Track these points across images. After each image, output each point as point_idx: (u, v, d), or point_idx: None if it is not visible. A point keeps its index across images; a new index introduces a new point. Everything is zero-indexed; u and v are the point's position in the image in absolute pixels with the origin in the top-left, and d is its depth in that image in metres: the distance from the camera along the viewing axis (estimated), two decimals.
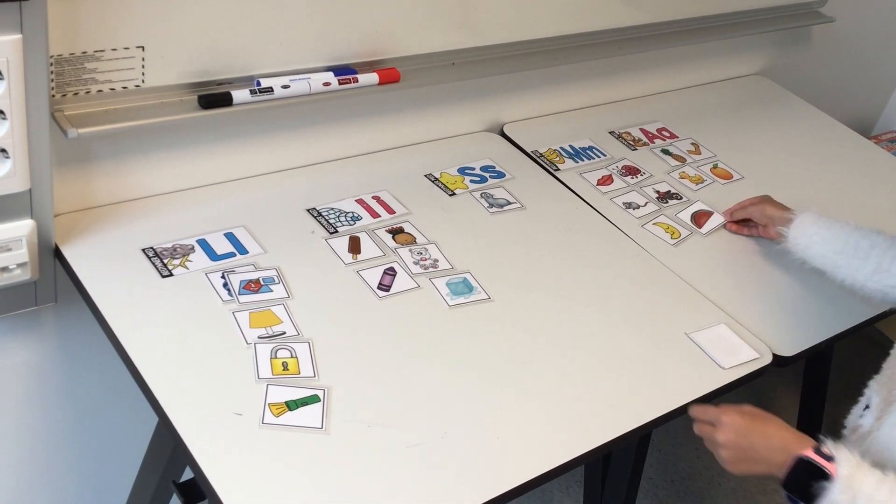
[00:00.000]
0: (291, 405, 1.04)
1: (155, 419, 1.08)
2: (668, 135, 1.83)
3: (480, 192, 1.51)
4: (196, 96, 1.24)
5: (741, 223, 1.54)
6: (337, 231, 1.34)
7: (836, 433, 2.23)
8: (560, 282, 1.34)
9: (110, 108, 1.18)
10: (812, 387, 2.09)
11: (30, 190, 1.10)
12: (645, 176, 1.66)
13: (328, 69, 1.36)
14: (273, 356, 1.10)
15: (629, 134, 1.79)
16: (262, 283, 1.21)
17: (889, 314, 1.46)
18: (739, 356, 1.27)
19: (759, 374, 1.27)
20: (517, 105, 1.72)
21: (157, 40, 1.18)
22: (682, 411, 1.18)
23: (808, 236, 1.37)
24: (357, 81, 1.36)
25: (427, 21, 1.44)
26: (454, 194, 1.49)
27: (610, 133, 1.78)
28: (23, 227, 1.13)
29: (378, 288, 1.25)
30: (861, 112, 2.67)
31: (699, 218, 1.57)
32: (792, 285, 1.45)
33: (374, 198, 1.43)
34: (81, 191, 1.25)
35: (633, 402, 1.16)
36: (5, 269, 1.14)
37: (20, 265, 1.15)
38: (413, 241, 1.36)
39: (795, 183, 1.75)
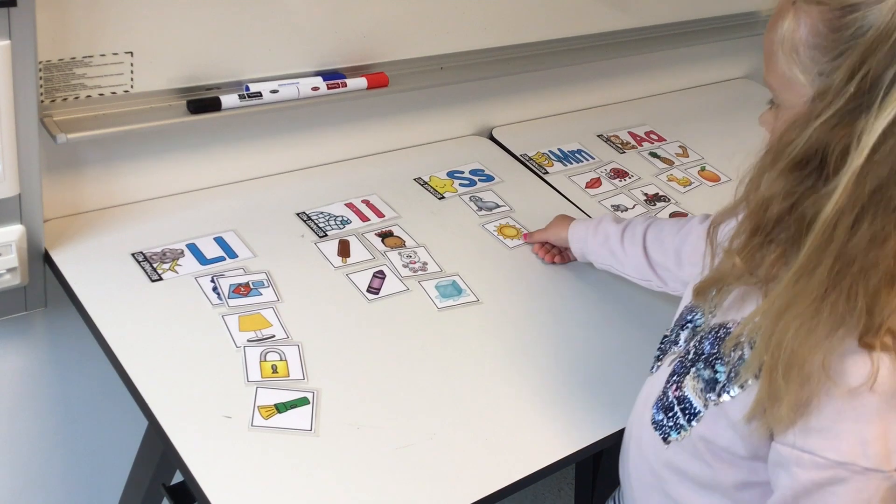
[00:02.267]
0: (281, 408, 1.04)
1: (145, 423, 1.09)
2: (655, 138, 1.84)
3: (470, 195, 1.51)
4: (185, 101, 1.24)
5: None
6: (326, 235, 1.35)
7: None
8: (549, 284, 1.35)
9: (99, 114, 1.19)
10: None
11: (19, 195, 1.11)
12: (633, 178, 1.67)
13: (317, 74, 1.36)
14: (262, 359, 1.10)
15: (617, 137, 1.80)
16: (251, 286, 1.21)
17: None
18: None
19: None
20: (506, 109, 1.73)
21: (145, 46, 1.18)
22: None
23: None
24: (346, 86, 1.37)
25: (415, 26, 1.45)
26: (443, 198, 1.50)
27: (598, 136, 1.79)
28: (12, 233, 1.13)
29: (367, 291, 1.25)
30: None
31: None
32: None
33: (363, 201, 1.44)
34: (71, 196, 1.26)
35: (623, 402, 1.16)
36: None
37: (10, 270, 1.15)
38: (402, 244, 1.36)
39: None
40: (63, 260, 1.19)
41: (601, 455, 1.54)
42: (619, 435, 1.13)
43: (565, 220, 1.37)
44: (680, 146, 1.82)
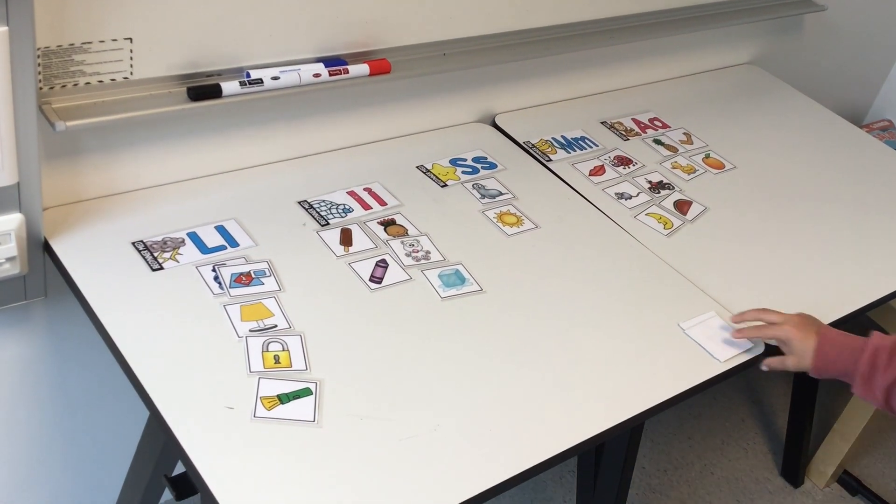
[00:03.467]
0: (283, 398, 1.04)
1: (146, 413, 1.08)
2: (660, 125, 1.82)
3: (472, 183, 1.50)
4: (185, 88, 1.23)
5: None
6: (328, 223, 1.34)
7: (828, 423, 2.23)
8: (552, 273, 1.34)
9: (98, 101, 1.17)
10: (804, 376, 2.09)
11: (18, 184, 1.10)
12: (637, 166, 1.66)
13: (318, 60, 1.35)
14: (265, 349, 1.09)
15: (621, 124, 1.79)
16: (253, 276, 1.20)
17: (882, 303, 1.47)
18: (731, 346, 1.27)
19: (751, 363, 1.27)
20: (509, 96, 1.72)
21: (145, 32, 1.17)
22: (674, 402, 1.18)
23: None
24: (347, 73, 1.36)
25: (418, 12, 1.43)
26: (446, 185, 1.48)
27: (602, 123, 1.78)
28: (11, 222, 1.12)
29: (370, 280, 1.24)
30: (852, 101, 2.67)
31: (681, 206, 1.57)
32: (784, 275, 1.45)
33: (365, 189, 1.42)
34: (70, 184, 1.25)
35: (625, 393, 1.16)
36: None
37: (9, 259, 1.14)
38: (405, 232, 1.35)
39: (787, 172, 1.75)
40: (63, 249, 1.18)
41: (603, 446, 1.53)
42: (621, 427, 1.12)
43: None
44: (684, 133, 1.81)
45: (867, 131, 2.32)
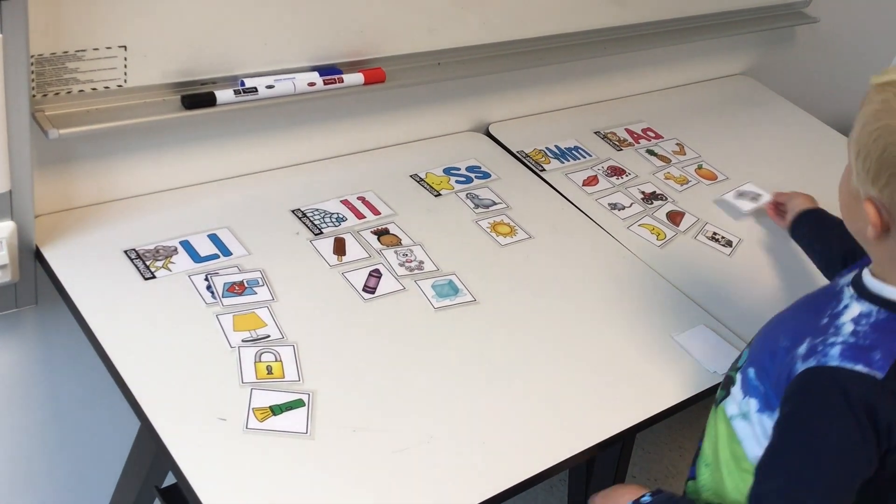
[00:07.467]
0: (276, 410, 1.03)
1: (137, 423, 1.07)
2: (653, 135, 1.83)
3: (466, 192, 1.50)
4: (179, 96, 1.23)
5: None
6: (322, 232, 1.33)
7: None
8: (546, 283, 1.34)
9: (92, 109, 1.17)
10: None
11: (10, 191, 1.09)
12: (630, 176, 1.66)
13: (313, 69, 1.35)
14: (257, 360, 1.09)
15: (614, 134, 1.79)
16: (246, 285, 1.20)
17: None
18: (724, 357, 1.27)
19: None
20: (503, 105, 1.72)
21: (139, 40, 1.16)
22: (667, 414, 1.18)
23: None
24: (342, 81, 1.35)
25: (412, 21, 1.43)
26: (440, 195, 1.48)
27: (595, 133, 1.78)
28: (3, 229, 1.11)
29: (363, 290, 1.24)
30: (845, 112, 2.67)
31: (674, 217, 1.57)
32: (776, 287, 1.46)
33: (359, 198, 1.42)
34: (63, 191, 1.24)
35: (618, 405, 1.16)
36: None
37: (0, 267, 1.14)
38: (398, 242, 1.35)
39: (779, 183, 1.76)
40: (54, 257, 1.17)
41: (594, 460, 1.53)
42: (614, 439, 1.12)
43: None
44: (677, 143, 1.81)
45: None
